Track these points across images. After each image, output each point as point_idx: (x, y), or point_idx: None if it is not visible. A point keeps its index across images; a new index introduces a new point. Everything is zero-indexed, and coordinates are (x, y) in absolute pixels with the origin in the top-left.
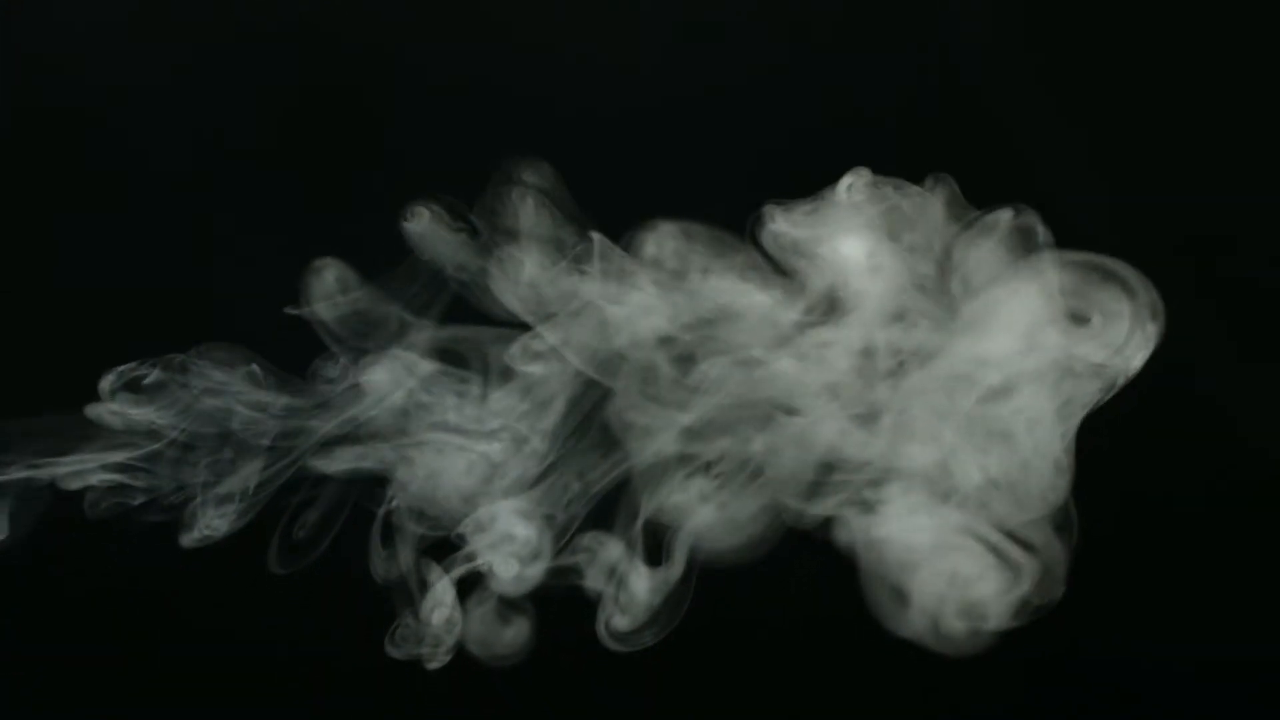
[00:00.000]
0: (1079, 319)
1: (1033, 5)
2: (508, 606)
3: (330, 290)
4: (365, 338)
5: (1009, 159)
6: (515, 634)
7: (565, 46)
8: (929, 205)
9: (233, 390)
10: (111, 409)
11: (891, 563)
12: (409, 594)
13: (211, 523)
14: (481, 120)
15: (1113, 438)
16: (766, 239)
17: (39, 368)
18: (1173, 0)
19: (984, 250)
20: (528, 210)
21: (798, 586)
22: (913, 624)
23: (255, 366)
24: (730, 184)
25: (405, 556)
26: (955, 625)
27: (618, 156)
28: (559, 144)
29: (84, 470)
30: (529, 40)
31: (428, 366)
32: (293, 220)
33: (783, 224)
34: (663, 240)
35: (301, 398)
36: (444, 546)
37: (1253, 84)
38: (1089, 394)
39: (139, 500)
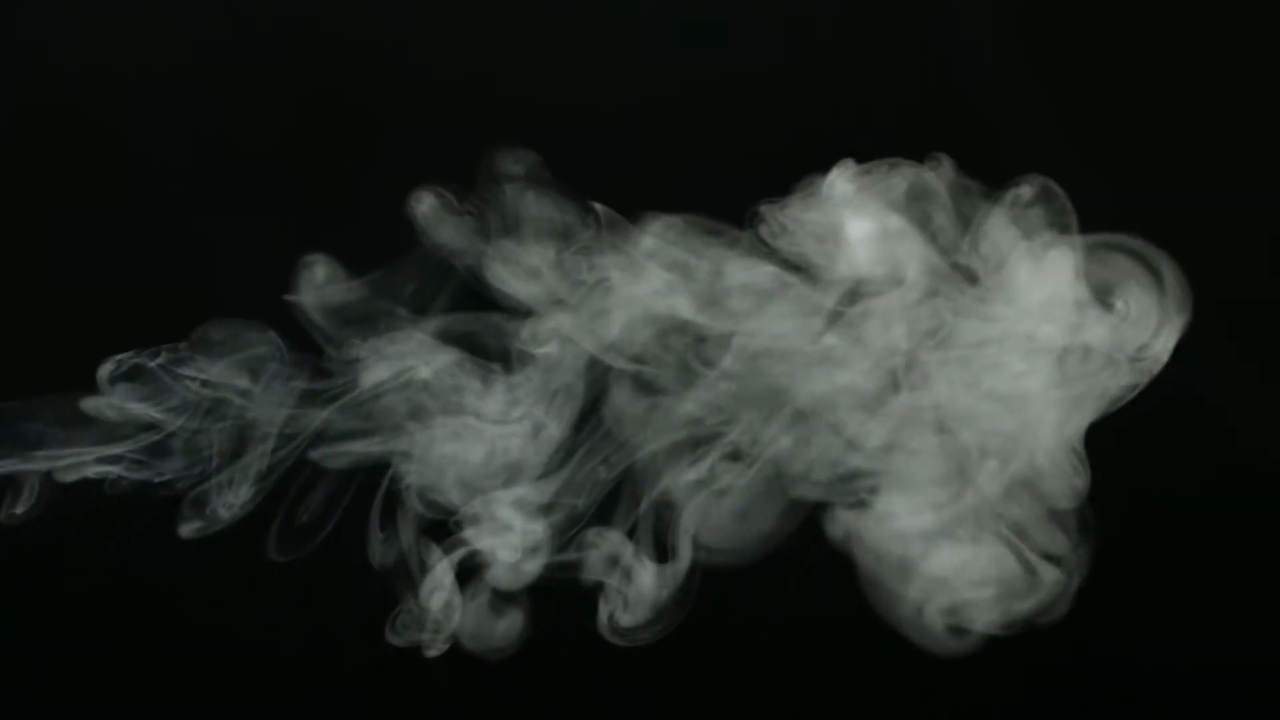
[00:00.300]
0: (1105, 305)
1: (1032, 5)
2: (502, 599)
3: (320, 286)
4: (364, 329)
5: (1008, 159)
6: (509, 627)
7: (564, 46)
8: (937, 179)
9: (245, 369)
10: (108, 402)
11: (896, 552)
12: (409, 577)
13: (225, 502)
14: (481, 120)
15: (1114, 439)
16: (772, 232)
17: (38, 368)
18: (1173, 1)
19: (1005, 228)
20: (527, 201)
21: (801, 584)
22: (902, 614)
23: (275, 336)
24: (729, 184)
25: (406, 538)
26: (938, 622)
27: (617, 157)
28: (558, 144)
29: (80, 463)
30: (528, 40)
31: (440, 350)
32: (292, 220)
33: (789, 216)
34: (665, 231)
35: (318, 379)
36: (444, 530)
37: (1251, 83)
38: (1111, 385)
39: (160, 478)
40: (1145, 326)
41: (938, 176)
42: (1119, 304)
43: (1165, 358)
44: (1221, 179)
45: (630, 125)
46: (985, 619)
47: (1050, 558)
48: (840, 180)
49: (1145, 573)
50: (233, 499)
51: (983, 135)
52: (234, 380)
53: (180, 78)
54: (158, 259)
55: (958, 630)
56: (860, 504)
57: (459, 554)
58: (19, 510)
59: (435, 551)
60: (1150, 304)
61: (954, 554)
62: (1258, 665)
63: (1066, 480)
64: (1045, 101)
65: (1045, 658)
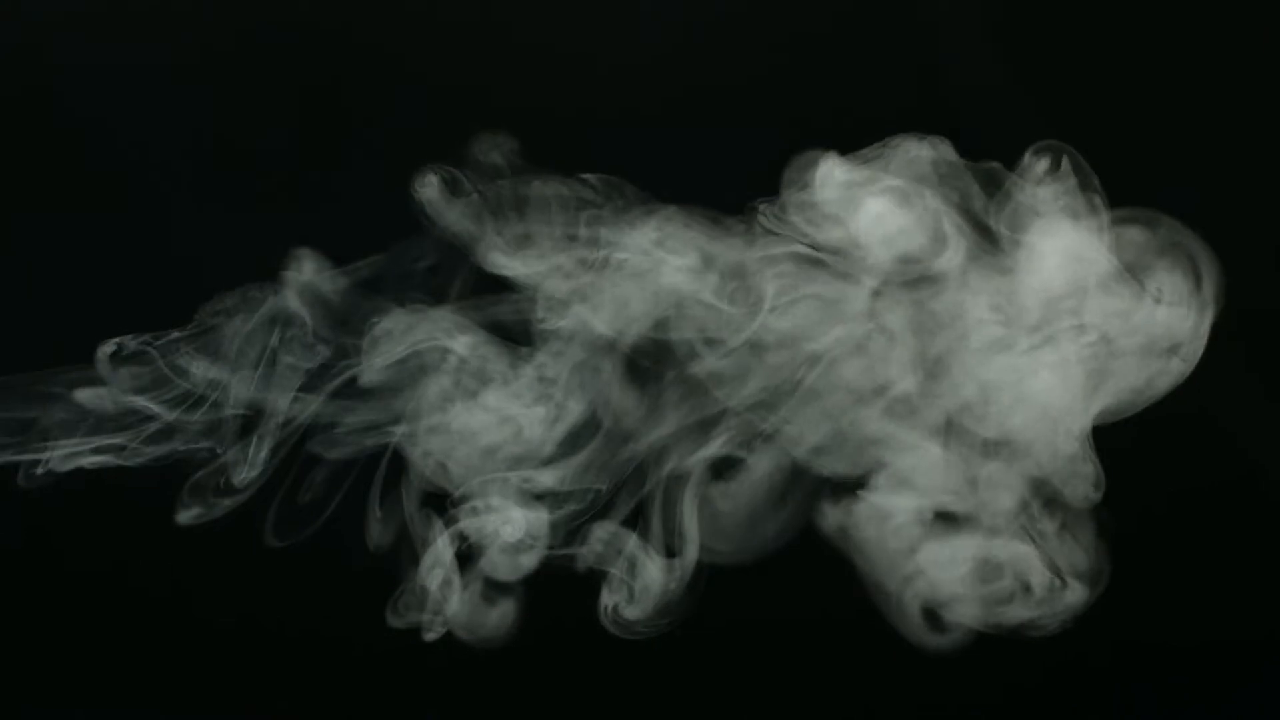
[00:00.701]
0: (1139, 286)
1: (1030, 7)
2: (497, 589)
3: (307, 281)
4: (361, 316)
5: (1006, 157)
6: (502, 616)
7: (564, 46)
8: (941, 156)
9: (260, 337)
10: (103, 393)
11: (897, 543)
12: (410, 556)
13: (241, 477)
14: (481, 120)
15: (1117, 448)
16: (773, 225)
17: (35, 366)
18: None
19: (1027, 200)
20: (530, 181)
21: (801, 581)
22: (897, 607)
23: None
24: (727, 186)
25: (408, 516)
26: (934, 615)
27: (616, 157)
28: (557, 143)
29: (77, 452)
30: (527, 40)
31: (454, 329)
32: (291, 219)
33: (789, 208)
34: (670, 217)
35: (333, 355)
36: (448, 508)
37: (1251, 85)
38: (1139, 377)
39: (176, 451)
40: (1180, 312)
41: (941, 153)
42: (1153, 286)
43: (1200, 351)
44: (1226, 185)
45: (629, 126)
46: (981, 616)
47: (1071, 573)
48: (834, 169)
49: (1144, 577)
50: (248, 473)
51: (982, 135)
52: (244, 352)
53: (179, 77)
54: (155, 258)
55: (950, 626)
56: (864, 489)
57: (461, 528)
58: (39, 471)
59: (437, 527)
60: (1185, 289)
61: (956, 547)
62: (1257, 677)
63: (1083, 477)
64: (1043, 101)
65: (1046, 659)
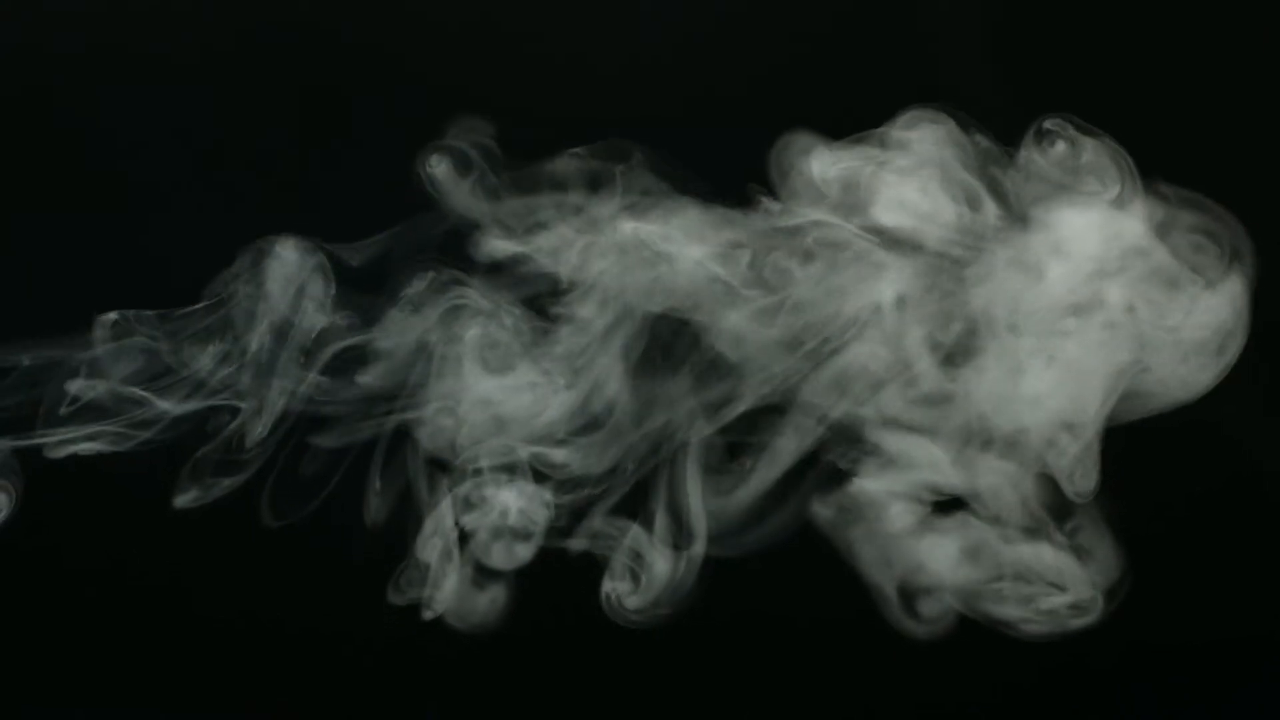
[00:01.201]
0: (1175, 272)
1: (1030, 7)
2: (487, 574)
3: (291, 274)
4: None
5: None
6: (492, 602)
7: (563, 48)
8: (953, 134)
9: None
10: (95, 384)
11: (896, 532)
12: (410, 528)
13: (255, 438)
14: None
15: (1119, 453)
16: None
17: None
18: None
19: (1052, 177)
20: (543, 163)
21: (802, 576)
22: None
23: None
24: (726, 185)
25: (412, 478)
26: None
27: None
28: (556, 143)
29: (70, 439)
30: (527, 40)
31: (470, 302)
32: (293, 218)
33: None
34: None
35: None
36: (449, 477)
37: (1257, 88)
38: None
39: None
40: (1223, 299)
41: (950, 132)
42: (1194, 271)
43: (1240, 345)
44: (1228, 187)
45: (629, 126)
46: (978, 611)
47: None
48: (827, 159)
49: (1145, 581)
50: (260, 433)
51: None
52: (254, 318)
53: (179, 77)
54: (155, 258)
55: (941, 614)
56: (866, 477)
57: (463, 499)
58: (62, 413)
59: (440, 494)
60: (1225, 274)
61: (957, 540)
62: (1257, 677)
63: (1087, 475)
64: (1041, 100)
65: (1048, 661)
